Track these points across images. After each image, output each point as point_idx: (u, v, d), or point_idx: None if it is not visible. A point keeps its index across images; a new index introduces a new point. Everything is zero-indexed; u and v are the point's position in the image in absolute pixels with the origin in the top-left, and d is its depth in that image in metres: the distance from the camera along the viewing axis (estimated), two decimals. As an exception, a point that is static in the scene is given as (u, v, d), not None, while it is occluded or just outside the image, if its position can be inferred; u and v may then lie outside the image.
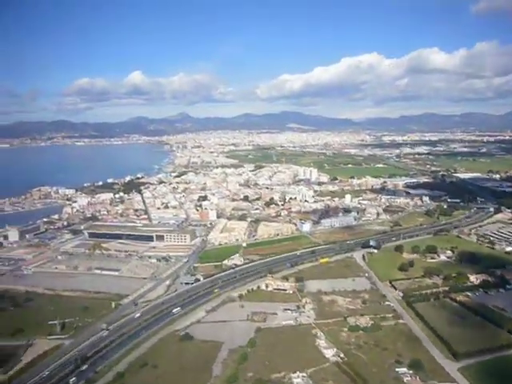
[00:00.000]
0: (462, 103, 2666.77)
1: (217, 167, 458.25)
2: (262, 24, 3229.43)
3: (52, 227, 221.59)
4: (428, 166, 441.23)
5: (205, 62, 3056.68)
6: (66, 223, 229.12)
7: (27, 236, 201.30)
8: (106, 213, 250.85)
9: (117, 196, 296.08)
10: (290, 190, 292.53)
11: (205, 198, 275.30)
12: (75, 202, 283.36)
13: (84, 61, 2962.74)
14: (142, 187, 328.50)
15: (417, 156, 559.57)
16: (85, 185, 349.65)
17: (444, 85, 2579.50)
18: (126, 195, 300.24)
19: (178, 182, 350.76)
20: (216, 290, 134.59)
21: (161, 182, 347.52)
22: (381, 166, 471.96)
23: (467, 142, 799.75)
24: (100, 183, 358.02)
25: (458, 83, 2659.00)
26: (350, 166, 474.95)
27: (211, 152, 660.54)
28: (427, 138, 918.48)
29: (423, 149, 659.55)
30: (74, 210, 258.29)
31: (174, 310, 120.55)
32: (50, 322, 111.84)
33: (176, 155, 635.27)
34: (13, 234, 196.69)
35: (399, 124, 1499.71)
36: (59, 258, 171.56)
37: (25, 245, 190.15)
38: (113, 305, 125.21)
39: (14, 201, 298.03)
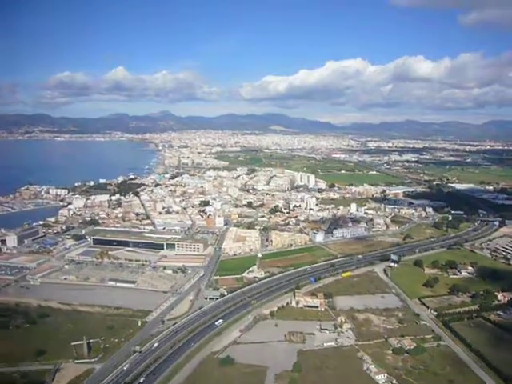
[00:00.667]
0: (441, 112, 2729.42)
1: (208, 169, 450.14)
2: (248, 24, 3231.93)
3: (50, 231, 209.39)
4: (421, 175, 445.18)
5: (188, 61, 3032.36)
6: (64, 227, 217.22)
7: (26, 241, 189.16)
8: (105, 216, 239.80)
9: (113, 198, 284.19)
10: (293, 197, 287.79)
11: (207, 203, 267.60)
12: (69, 203, 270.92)
13: (65, 55, 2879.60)
14: (138, 189, 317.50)
15: (406, 164, 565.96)
16: (76, 184, 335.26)
17: (426, 93, 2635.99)
18: (122, 197, 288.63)
19: (173, 185, 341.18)
20: (253, 302, 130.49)
21: (157, 185, 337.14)
22: (374, 173, 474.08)
23: (451, 150, 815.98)
24: (92, 183, 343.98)
25: (440, 92, 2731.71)
26: (343, 172, 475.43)
27: (199, 153, 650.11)
28: (411, 146, 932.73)
29: (410, 156, 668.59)
30: (71, 212, 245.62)
31: (216, 322, 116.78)
32: (75, 343, 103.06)
33: (164, 155, 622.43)
34: (11, 239, 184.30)
35: (380, 130, 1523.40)
36: (66, 267, 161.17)
37: (26, 251, 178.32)
38: (139, 323, 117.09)
39: (1, 200, 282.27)
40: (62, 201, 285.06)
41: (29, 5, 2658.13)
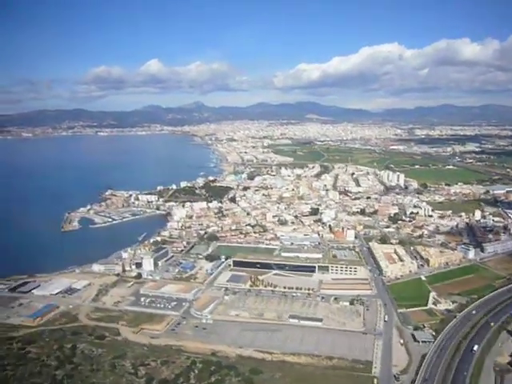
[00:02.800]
0: (478, 95, 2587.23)
1: (275, 166, 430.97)
2: (279, 12, 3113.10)
3: (174, 249, 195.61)
4: (507, 170, 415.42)
5: (219, 51, 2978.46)
6: (185, 244, 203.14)
7: (160, 263, 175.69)
8: (217, 228, 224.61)
9: (211, 205, 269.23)
10: (406, 202, 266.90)
11: (316, 211, 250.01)
12: (168, 212, 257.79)
13: (100, 49, 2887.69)
14: (227, 193, 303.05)
15: (476, 156, 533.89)
16: (159, 189, 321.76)
17: (465, 76, 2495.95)
18: (220, 204, 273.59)
19: (259, 187, 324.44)
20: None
21: (245, 188, 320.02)
22: (450, 167, 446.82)
23: (507, 137, 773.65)
24: (174, 187, 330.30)
25: (483, 75, 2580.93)
26: (417, 167, 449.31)
27: (253, 147, 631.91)
28: (461, 133, 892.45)
29: (473, 146, 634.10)
30: (179, 224, 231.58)
31: None
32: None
33: (219, 150, 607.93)
34: (147, 262, 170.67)
35: (416, 115, 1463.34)
36: (226, 298, 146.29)
37: (170, 277, 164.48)
38: (375, 382, 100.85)
39: (97, 209, 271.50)
40: (157, 209, 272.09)
41: (67, 2, 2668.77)
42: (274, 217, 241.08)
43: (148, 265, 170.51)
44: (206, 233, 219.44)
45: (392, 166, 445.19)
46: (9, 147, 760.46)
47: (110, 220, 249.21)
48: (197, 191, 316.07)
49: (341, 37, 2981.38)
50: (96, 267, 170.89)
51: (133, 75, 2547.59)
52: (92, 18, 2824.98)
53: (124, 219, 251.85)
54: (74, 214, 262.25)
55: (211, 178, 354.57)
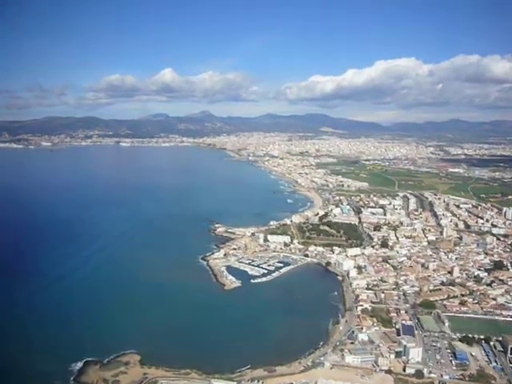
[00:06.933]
0: (489, 110, 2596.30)
1: (363, 195, 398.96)
2: (292, 24, 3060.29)
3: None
4: None
5: (231, 61, 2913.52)
6: (403, 314, 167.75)
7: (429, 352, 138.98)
8: (416, 288, 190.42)
9: (366, 252, 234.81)
10: None
11: (500, 265, 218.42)
12: (328, 262, 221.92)
13: (113, 58, 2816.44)
14: (359, 233, 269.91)
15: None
16: (272, 223, 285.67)
17: (479, 92, 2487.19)
18: (374, 251, 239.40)
19: (388, 225, 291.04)
20: None
21: (376, 227, 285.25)
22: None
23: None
24: (287, 221, 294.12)
25: (495, 90, 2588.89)
26: (499, 195, 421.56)
27: (305, 166, 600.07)
28: (497, 152, 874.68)
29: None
30: (364, 282, 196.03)
31: None
32: None
33: (270, 168, 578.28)
34: (416, 352, 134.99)
35: (427, 130, 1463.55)
36: None
37: (451, 376, 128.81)
38: None
39: (232, 253, 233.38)
40: (306, 256, 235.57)
41: (81, 8, 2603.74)
42: (461, 271, 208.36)
43: (416, 355, 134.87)
44: (404, 295, 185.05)
45: (483, 195, 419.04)
46: (40, 159, 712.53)
47: (266, 271, 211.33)
48: (320, 227, 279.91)
49: (355, 49, 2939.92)
50: (349, 358, 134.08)
51: (146, 84, 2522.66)
52: (107, 27, 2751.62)
53: (281, 271, 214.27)
54: (213, 261, 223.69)
55: (322, 213, 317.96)
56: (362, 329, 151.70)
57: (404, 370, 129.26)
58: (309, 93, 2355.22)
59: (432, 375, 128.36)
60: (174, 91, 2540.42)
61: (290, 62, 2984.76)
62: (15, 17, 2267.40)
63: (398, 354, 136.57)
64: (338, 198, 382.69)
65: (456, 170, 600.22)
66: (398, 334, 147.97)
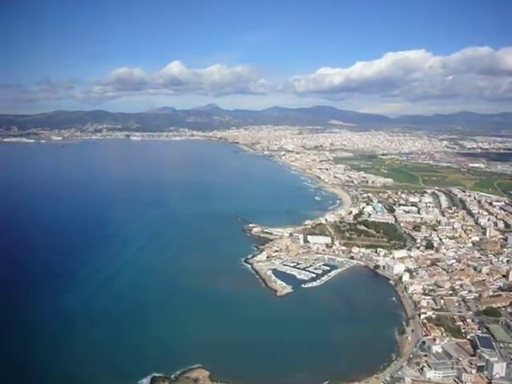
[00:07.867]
0: (498, 102, 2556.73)
1: (391, 191, 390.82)
2: (300, 16, 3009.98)
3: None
4: None
5: (239, 54, 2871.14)
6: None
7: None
8: (474, 293, 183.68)
9: (413, 254, 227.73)
10: None
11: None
12: (376, 265, 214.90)
13: (121, 51, 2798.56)
14: (399, 232, 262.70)
15: None
16: (307, 223, 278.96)
17: (489, 83, 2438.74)
18: (420, 252, 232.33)
19: (424, 224, 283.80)
20: None
21: (415, 227, 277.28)
22: None
23: None
24: (322, 220, 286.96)
25: (506, 82, 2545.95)
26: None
27: (323, 160, 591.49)
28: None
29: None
30: (420, 286, 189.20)
31: None
32: None
33: (288, 163, 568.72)
34: (499, 367, 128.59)
35: (436, 122, 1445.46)
36: None
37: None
38: None
39: (275, 256, 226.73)
40: (352, 258, 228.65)
41: (91, 2, 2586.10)
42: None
43: (500, 370, 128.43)
44: (464, 301, 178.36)
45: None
46: (54, 155, 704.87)
47: (315, 275, 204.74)
48: (358, 227, 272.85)
49: (364, 41, 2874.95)
50: (430, 373, 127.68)
51: (154, 77, 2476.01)
52: (115, 21, 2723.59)
53: (329, 274, 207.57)
54: (257, 264, 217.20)
55: (355, 211, 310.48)
56: (434, 340, 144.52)
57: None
58: (317, 85, 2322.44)
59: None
60: (181, 84, 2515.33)
61: (298, 54, 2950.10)
62: (23, 11, 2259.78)
63: (479, 369, 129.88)
64: (365, 195, 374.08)
65: (476, 164, 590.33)
66: (474, 346, 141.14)
